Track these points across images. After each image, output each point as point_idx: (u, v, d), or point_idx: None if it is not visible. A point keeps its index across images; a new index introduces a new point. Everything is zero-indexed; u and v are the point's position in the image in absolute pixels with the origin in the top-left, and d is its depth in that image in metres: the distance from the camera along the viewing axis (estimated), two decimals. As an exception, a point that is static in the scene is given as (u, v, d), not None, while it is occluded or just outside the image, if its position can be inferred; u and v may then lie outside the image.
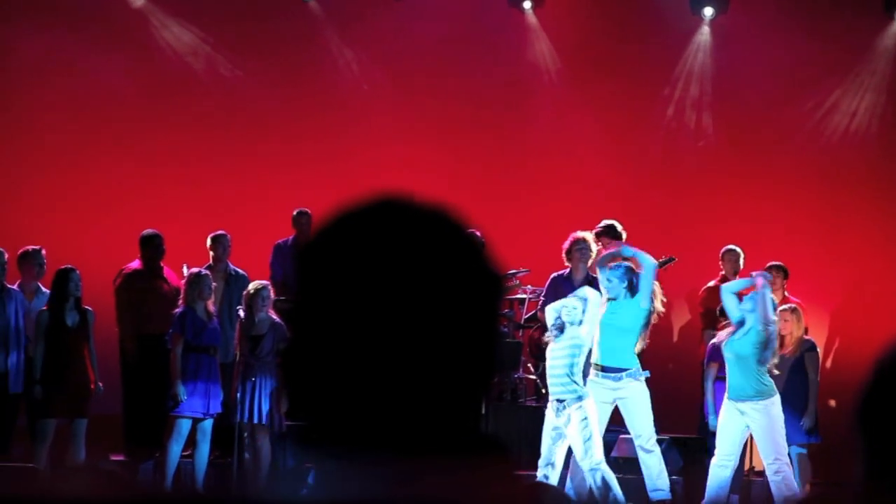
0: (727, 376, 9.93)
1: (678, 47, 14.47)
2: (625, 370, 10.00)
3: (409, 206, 1.56)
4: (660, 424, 11.86)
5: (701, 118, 14.45)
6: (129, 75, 14.01)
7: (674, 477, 11.37)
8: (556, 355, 9.78)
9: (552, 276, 11.80)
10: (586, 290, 10.00)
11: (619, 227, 12.39)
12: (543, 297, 11.78)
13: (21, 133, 13.70)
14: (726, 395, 9.92)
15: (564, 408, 9.60)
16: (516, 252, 12.28)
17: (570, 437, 9.59)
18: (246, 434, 10.79)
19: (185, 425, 10.70)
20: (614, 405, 10.03)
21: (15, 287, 10.99)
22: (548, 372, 9.93)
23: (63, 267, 10.66)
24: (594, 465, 9.53)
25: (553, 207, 13.68)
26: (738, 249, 12.68)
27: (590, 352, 9.94)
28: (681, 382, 12.31)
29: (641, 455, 9.98)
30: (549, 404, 9.80)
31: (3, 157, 13.54)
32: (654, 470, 9.95)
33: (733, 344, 9.87)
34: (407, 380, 1.51)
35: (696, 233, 13.50)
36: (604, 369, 10.02)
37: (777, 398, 9.81)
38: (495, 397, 11.94)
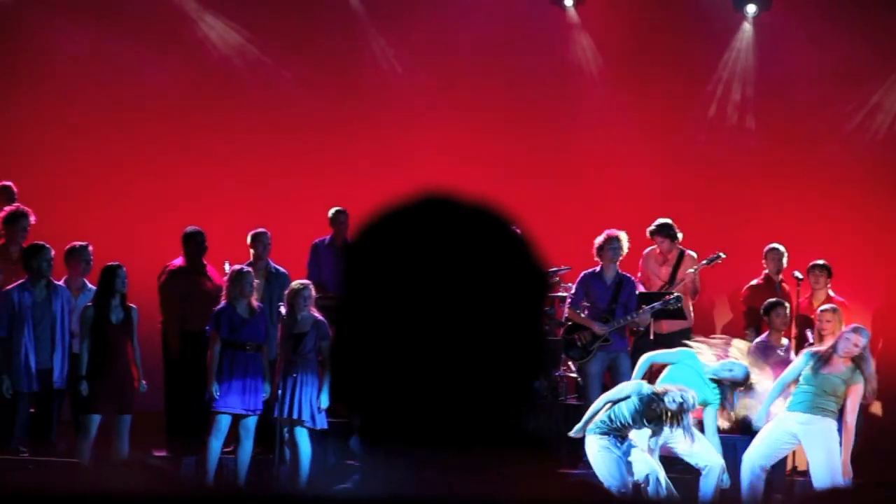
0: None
1: (720, 45, 14.40)
2: None
3: (453, 204, 1.57)
4: (700, 423, 11.82)
5: (744, 116, 14.37)
6: (172, 74, 14.08)
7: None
8: None
9: (583, 273, 11.80)
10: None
11: (674, 227, 12.39)
12: (573, 294, 11.77)
13: (66, 130, 13.79)
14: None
15: None
16: (557, 250, 12.26)
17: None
18: (287, 431, 10.82)
19: (224, 421, 10.74)
20: None
21: (61, 283, 11.08)
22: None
23: (110, 263, 10.71)
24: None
25: (595, 205, 13.64)
26: (782, 248, 12.63)
27: None
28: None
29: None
30: None
31: (49, 154, 13.64)
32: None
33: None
34: (451, 377, 1.51)
35: (739, 231, 13.43)
36: None
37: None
38: (537, 394, 11.92)
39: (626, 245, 11.64)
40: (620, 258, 11.66)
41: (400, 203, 1.56)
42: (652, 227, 12.41)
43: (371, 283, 1.53)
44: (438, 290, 1.51)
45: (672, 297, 11.83)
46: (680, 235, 12.46)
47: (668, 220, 12.43)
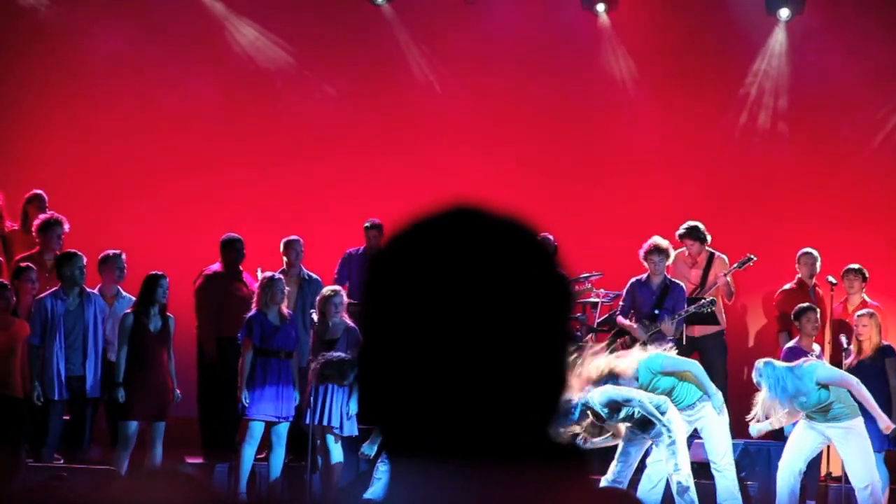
0: None
1: (753, 49, 14.34)
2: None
3: (481, 215, 1.57)
4: (735, 428, 11.78)
5: (777, 120, 14.31)
6: (208, 82, 14.14)
7: (749, 482, 11.29)
8: None
9: (631, 280, 11.81)
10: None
11: (703, 229, 12.38)
12: (623, 301, 11.80)
13: (100, 138, 13.87)
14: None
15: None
16: (590, 256, 12.26)
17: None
18: (318, 438, 10.84)
19: (257, 428, 10.78)
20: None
21: (95, 291, 11.14)
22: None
23: (153, 273, 10.74)
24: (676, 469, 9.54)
25: (627, 210, 13.62)
26: (815, 252, 12.58)
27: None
28: (755, 387, 12.17)
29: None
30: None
31: (83, 162, 13.71)
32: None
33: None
34: (479, 386, 1.52)
35: (772, 236, 13.39)
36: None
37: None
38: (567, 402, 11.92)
39: (671, 253, 11.69)
40: (665, 265, 11.69)
41: (428, 213, 1.57)
42: (681, 230, 12.40)
43: (399, 293, 1.54)
44: (466, 300, 1.51)
45: (706, 300, 11.81)
46: (709, 238, 12.44)
47: (698, 223, 12.41)
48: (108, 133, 13.91)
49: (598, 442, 9.67)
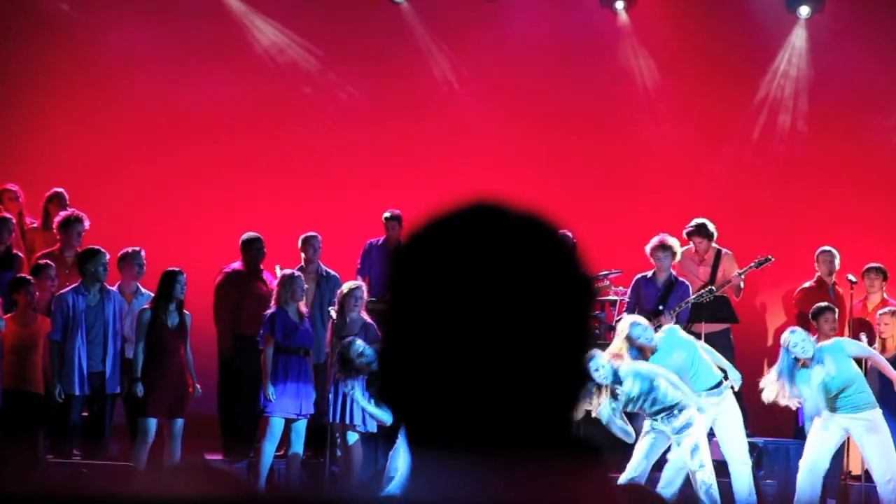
0: None
1: (773, 47, 14.30)
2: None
3: (501, 211, 1.58)
4: (754, 427, 11.77)
5: (796, 119, 14.27)
6: (226, 80, 14.16)
7: (768, 481, 11.27)
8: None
9: (636, 277, 11.83)
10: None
11: (711, 226, 12.35)
12: (628, 298, 11.81)
13: (120, 136, 13.91)
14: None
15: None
16: (609, 253, 12.25)
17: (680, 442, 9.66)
18: (338, 434, 10.85)
19: (277, 425, 10.79)
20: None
21: (114, 288, 11.17)
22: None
23: (170, 269, 10.78)
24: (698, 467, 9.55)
25: (646, 208, 13.60)
26: (834, 251, 12.54)
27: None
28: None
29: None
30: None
31: (102, 160, 13.75)
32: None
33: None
34: (499, 381, 1.52)
35: (791, 234, 13.35)
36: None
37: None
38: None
39: (677, 249, 11.66)
40: (672, 262, 11.68)
41: (448, 209, 1.57)
42: (689, 228, 12.38)
43: (420, 289, 1.54)
44: (486, 296, 1.52)
45: (705, 290, 11.78)
46: (716, 234, 12.41)
47: (705, 220, 12.39)
48: (127, 131, 13.94)
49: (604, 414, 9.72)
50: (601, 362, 9.50)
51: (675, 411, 9.57)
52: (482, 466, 1.50)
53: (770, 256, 12.22)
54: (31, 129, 13.86)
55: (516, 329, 1.52)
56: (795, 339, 9.78)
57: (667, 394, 9.52)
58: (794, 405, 10.03)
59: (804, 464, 9.96)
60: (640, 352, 9.83)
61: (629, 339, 9.82)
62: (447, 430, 1.52)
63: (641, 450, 9.68)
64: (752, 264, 12.30)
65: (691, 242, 12.44)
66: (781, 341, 9.96)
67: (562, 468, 1.52)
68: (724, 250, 12.46)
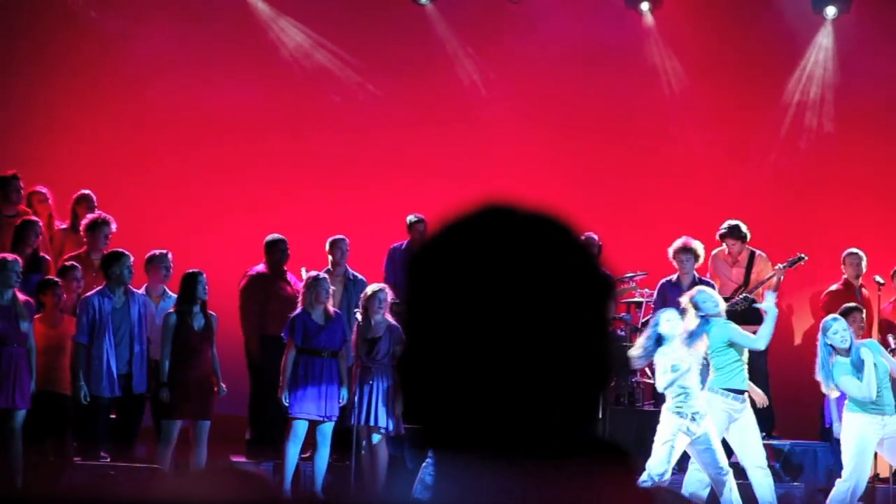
0: None
1: (799, 48, 14.25)
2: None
3: (516, 212, 1.58)
4: (781, 429, 11.73)
5: (822, 120, 14.22)
6: (251, 82, 14.20)
7: (794, 483, 11.23)
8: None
9: (661, 281, 11.81)
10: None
11: (744, 228, 12.30)
12: (654, 303, 11.78)
13: (146, 138, 13.96)
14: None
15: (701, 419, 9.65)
16: (634, 255, 12.23)
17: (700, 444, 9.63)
18: (363, 437, 10.86)
19: (301, 427, 10.80)
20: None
21: (140, 291, 11.21)
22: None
23: (190, 270, 10.82)
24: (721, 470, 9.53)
25: (672, 210, 13.57)
26: (861, 253, 12.49)
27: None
28: (801, 387, 12.10)
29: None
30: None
31: (129, 162, 13.80)
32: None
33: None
34: (522, 384, 1.52)
35: (818, 236, 13.30)
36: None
37: None
38: (612, 401, 11.90)
39: (700, 252, 11.63)
40: (695, 265, 11.64)
41: (464, 212, 1.57)
42: (722, 230, 12.34)
43: (439, 292, 1.54)
44: (505, 298, 1.52)
45: (739, 298, 11.74)
46: (749, 236, 12.36)
47: (738, 222, 12.34)
48: (154, 133, 13.99)
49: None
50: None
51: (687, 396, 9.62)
52: (506, 471, 1.50)
53: (803, 255, 12.16)
54: (59, 132, 13.92)
55: (537, 332, 1.52)
56: (837, 327, 9.73)
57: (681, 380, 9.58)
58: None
59: (850, 474, 9.73)
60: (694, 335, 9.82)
61: (694, 304, 9.81)
62: (470, 434, 1.52)
63: (664, 452, 9.65)
64: (786, 263, 12.24)
65: (724, 244, 12.39)
66: (821, 326, 9.87)
67: (588, 471, 1.52)
68: (757, 252, 12.40)
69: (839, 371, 9.67)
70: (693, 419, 9.60)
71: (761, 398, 10.08)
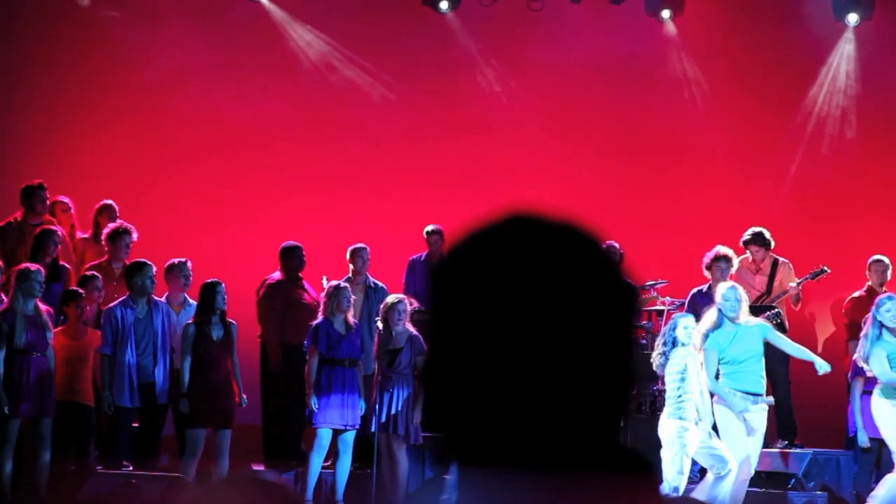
0: None
1: (821, 54, 14.21)
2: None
3: (539, 221, 1.57)
4: (804, 438, 11.68)
5: (844, 127, 14.17)
6: (272, 92, 14.24)
7: (817, 492, 11.18)
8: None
9: (692, 292, 11.74)
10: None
11: (768, 235, 12.26)
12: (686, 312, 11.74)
13: (167, 149, 14.00)
14: None
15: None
16: (655, 264, 12.20)
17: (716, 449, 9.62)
18: (384, 446, 10.86)
19: (324, 436, 10.81)
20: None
21: (162, 300, 11.23)
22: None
23: (209, 280, 10.84)
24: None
25: (693, 218, 13.54)
26: (886, 260, 12.43)
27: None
28: (824, 395, 12.06)
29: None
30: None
31: (149, 172, 13.85)
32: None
33: None
34: (544, 393, 1.51)
35: (842, 243, 13.24)
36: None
37: None
38: (634, 410, 11.86)
39: (735, 262, 11.58)
40: (729, 276, 11.60)
41: (487, 221, 1.57)
42: (746, 237, 12.29)
43: (461, 302, 1.54)
44: (527, 307, 1.51)
45: (772, 312, 11.68)
46: (773, 243, 12.32)
47: (762, 229, 12.30)
48: (175, 143, 14.04)
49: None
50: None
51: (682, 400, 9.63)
52: (530, 483, 1.49)
53: (825, 268, 12.11)
54: (81, 142, 13.98)
55: (560, 342, 1.52)
56: (890, 305, 9.72)
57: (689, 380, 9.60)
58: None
59: None
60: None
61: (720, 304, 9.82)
62: (494, 446, 1.51)
63: (679, 462, 9.62)
64: (808, 276, 12.20)
65: (748, 252, 12.35)
66: (876, 302, 9.87)
67: (611, 483, 1.51)
68: (781, 259, 12.36)
69: (878, 347, 9.66)
70: (695, 424, 9.61)
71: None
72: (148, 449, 10.92)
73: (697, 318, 11.51)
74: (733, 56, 14.08)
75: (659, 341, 9.95)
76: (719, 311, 9.96)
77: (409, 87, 14.47)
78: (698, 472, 10.49)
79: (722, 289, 10.12)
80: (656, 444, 10.09)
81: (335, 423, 10.78)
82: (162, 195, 13.71)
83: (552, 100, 14.21)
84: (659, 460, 9.73)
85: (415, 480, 11.18)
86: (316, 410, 10.73)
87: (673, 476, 9.51)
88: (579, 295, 1.53)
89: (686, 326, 9.78)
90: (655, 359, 9.88)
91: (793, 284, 12.18)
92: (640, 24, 14.33)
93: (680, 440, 9.57)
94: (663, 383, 12.09)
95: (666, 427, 9.70)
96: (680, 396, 9.64)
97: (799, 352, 10.11)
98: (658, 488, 1.65)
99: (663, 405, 12.16)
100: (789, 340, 10.13)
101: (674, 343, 9.75)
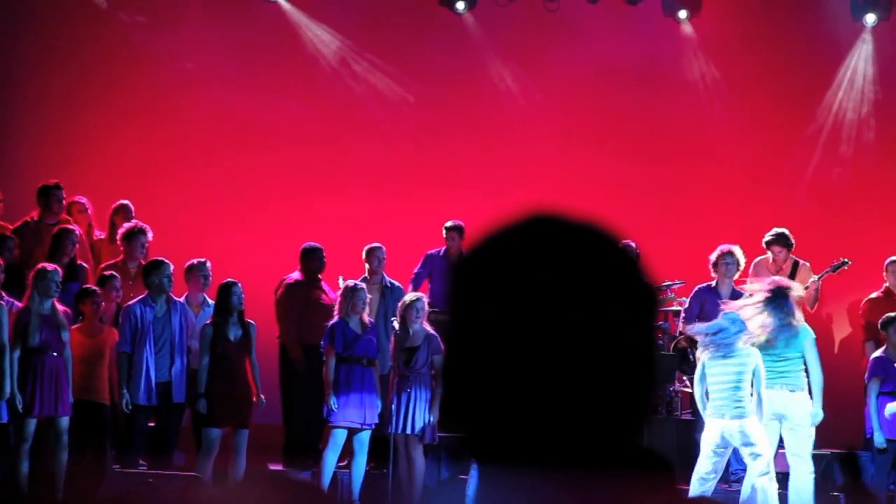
0: None
1: (838, 55, 14.16)
2: None
3: (561, 221, 1.57)
4: (822, 438, 11.65)
5: (862, 128, 14.12)
6: (287, 91, 14.26)
7: (835, 493, 11.15)
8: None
9: (698, 287, 11.73)
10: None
11: (790, 236, 12.24)
12: (687, 308, 11.72)
13: (183, 148, 14.03)
14: None
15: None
16: (671, 264, 12.17)
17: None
18: (400, 445, 10.86)
19: (340, 435, 10.82)
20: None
21: (181, 300, 11.25)
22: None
23: (226, 281, 10.86)
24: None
25: (710, 218, 13.51)
26: (904, 261, 12.39)
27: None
28: (842, 396, 12.02)
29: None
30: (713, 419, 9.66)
31: (166, 172, 13.88)
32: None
33: None
34: (564, 393, 1.51)
35: (859, 244, 13.19)
36: None
37: None
38: (651, 410, 11.84)
39: (741, 259, 11.55)
40: (737, 273, 11.56)
41: (508, 221, 1.57)
42: (768, 237, 12.26)
43: (482, 301, 1.54)
44: (549, 309, 1.51)
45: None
46: (794, 244, 12.30)
47: (784, 230, 12.27)
48: (189, 143, 14.07)
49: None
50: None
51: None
52: (550, 482, 1.49)
53: (846, 260, 12.08)
54: (97, 141, 14.02)
55: (581, 341, 1.51)
56: None
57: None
58: None
59: None
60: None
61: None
62: (513, 445, 1.51)
63: (710, 463, 9.59)
64: (828, 269, 12.17)
65: (769, 252, 12.32)
66: None
67: (632, 483, 1.51)
68: (801, 261, 12.32)
69: None
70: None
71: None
72: (163, 447, 10.94)
73: (702, 312, 11.50)
74: (750, 56, 14.05)
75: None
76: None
77: (426, 87, 14.47)
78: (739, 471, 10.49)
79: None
80: (674, 444, 10.08)
81: (353, 421, 10.79)
82: (178, 195, 13.74)
83: (568, 99, 14.20)
84: (676, 460, 9.70)
85: (431, 480, 11.18)
86: (335, 410, 10.75)
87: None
88: (600, 295, 1.52)
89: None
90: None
91: (814, 279, 12.13)
92: (657, 24, 14.31)
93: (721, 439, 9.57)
94: (681, 384, 12.09)
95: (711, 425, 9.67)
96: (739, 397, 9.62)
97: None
98: (675, 488, 1.64)
99: (680, 406, 12.18)
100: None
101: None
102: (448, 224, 12.75)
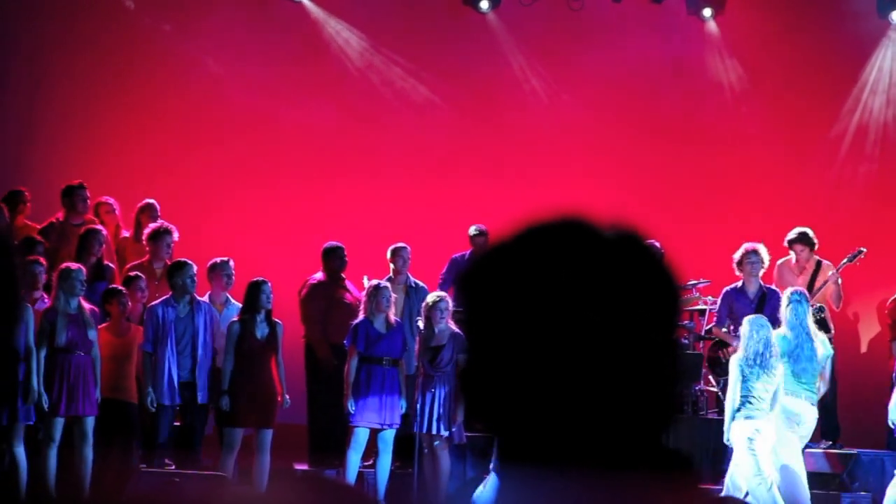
0: None
1: (864, 52, 14.10)
2: None
3: (589, 224, 1.57)
4: (847, 438, 11.61)
5: (888, 128, 14.05)
6: (312, 92, 14.28)
7: (861, 493, 11.11)
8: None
9: (725, 289, 11.70)
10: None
11: (812, 235, 12.19)
12: (718, 311, 11.70)
13: (208, 148, 14.07)
14: None
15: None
16: (696, 263, 12.14)
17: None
18: (426, 444, 10.86)
19: (362, 435, 10.82)
20: None
21: (204, 299, 11.28)
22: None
23: (255, 279, 10.87)
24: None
25: (734, 217, 13.47)
26: (932, 259, 12.33)
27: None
28: (869, 395, 11.98)
29: None
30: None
31: (191, 172, 13.92)
32: None
33: None
34: (589, 392, 1.51)
35: (885, 243, 13.13)
36: None
37: None
38: (676, 410, 11.82)
39: (766, 258, 11.51)
40: (762, 271, 11.52)
41: (534, 222, 1.57)
42: (791, 236, 12.21)
43: (504, 300, 1.54)
44: (573, 310, 1.51)
45: (815, 307, 11.61)
46: (817, 244, 12.24)
47: (807, 229, 12.22)
48: (214, 143, 14.10)
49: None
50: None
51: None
52: (572, 480, 1.49)
53: (862, 248, 12.02)
54: (123, 142, 14.07)
55: (604, 341, 1.51)
56: None
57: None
58: None
59: None
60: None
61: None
62: (536, 443, 1.51)
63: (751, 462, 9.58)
64: (846, 260, 12.11)
65: (792, 251, 12.27)
66: None
67: (653, 481, 1.51)
68: (824, 261, 12.26)
69: None
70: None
71: None
72: (188, 447, 10.97)
73: (731, 313, 11.48)
74: (774, 54, 13.99)
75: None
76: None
77: (450, 86, 14.47)
78: None
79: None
80: (698, 444, 10.06)
81: (372, 422, 10.80)
82: (203, 195, 13.77)
83: (592, 98, 14.18)
84: (701, 459, 9.69)
85: (456, 479, 11.18)
86: (353, 411, 10.75)
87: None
88: (624, 295, 1.52)
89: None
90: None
91: (832, 272, 12.07)
92: (681, 22, 14.27)
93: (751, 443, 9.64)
94: (706, 383, 12.07)
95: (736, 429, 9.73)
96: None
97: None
98: (699, 488, 1.64)
99: (705, 405, 12.15)
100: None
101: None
102: (472, 231, 12.72)
